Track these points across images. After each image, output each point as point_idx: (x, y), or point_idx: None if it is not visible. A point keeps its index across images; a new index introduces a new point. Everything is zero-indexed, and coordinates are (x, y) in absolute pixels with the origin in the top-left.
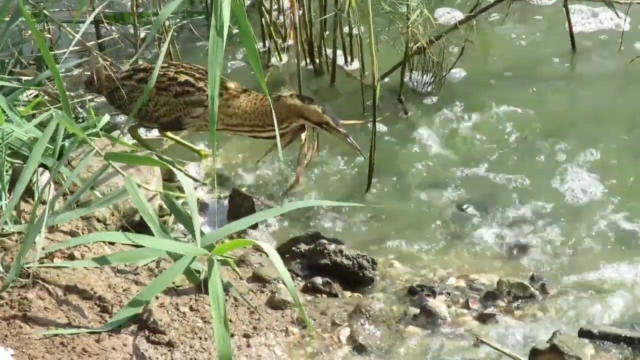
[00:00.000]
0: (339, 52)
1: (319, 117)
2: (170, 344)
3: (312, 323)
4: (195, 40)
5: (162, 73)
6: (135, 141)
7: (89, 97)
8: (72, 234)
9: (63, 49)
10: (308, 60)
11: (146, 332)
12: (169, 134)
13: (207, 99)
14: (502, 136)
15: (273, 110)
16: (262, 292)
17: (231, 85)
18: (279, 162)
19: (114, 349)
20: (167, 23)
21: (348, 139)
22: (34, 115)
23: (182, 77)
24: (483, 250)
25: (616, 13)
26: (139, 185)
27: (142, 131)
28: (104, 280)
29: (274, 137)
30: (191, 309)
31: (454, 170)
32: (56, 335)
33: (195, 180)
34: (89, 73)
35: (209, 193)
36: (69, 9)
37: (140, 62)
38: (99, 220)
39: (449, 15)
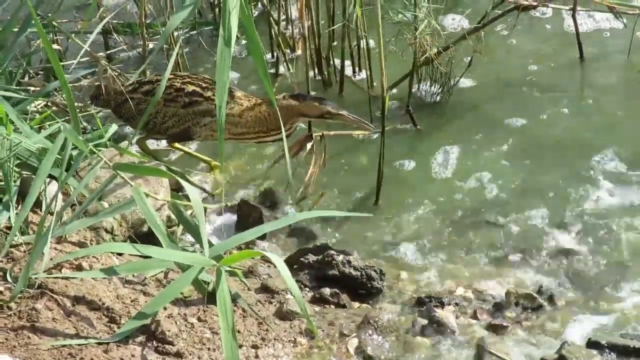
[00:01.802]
0: (347, 63)
1: (318, 109)
2: (178, 355)
3: (320, 334)
4: (204, 51)
5: (168, 84)
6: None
7: (97, 110)
8: (81, 244)
9: (71, 60)
10: (316, 71)
11: (154, 342)
12: (177, 145)
13: (215, 108)
14: (511, 146)
15: (278, 114)
16: (270, 303)
17: (238, 94)
18: (285, 174)
19: (122, 359)
20: (175, 34)
21: (355, 118)
22: (41, 126)
23: (190, 88)
24: (491, 261)
25: (624, 24)
26: (147, 195)
27: (151, 142)
28: (112, 290)
29: (280, 140)
30: (199, 319)
31: (463, 181)
32: (64, 345)
33: (203, 190)
34: (97, 84)
35: (217, 203)
36: (76, 19)
37: (149, 73)
38: (107, 231)
39: (457, 24)
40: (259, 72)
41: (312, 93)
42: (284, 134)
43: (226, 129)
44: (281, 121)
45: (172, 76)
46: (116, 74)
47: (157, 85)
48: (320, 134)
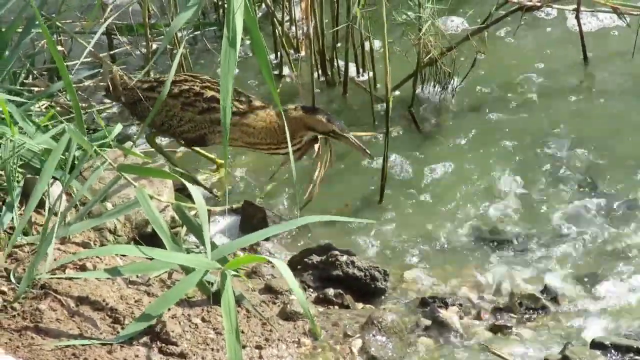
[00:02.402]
0: (351, 64)
1: (324, 126)
2: (182, 356)
3: (324, 334)
4: (208, 51)
5: (187, 87)
6: (147, 151)
7: (99, 109)
8: (84, 245)
9: (75, 60)
10: (320, 72)
11: (158, 343)
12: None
13: (234, 116)
14: (515, 147)
15: (286, 125)
16: (274, 303)
17: (256, 103)
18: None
19: None
20: (179, 34)
21: (356, 143)
22: (46, 127)
23: (209, 93)
24: (496, 261)
25: (627, 24)
26: (151, 197)
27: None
28: (116, 291)
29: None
30: (203, 320)
31: (467, 182)
32: (68, 346)
33: (208, 191)
34: (105, 83)
35: (221, 205)
36: (80, 20)
37: (152, 74)
38: (110, 232)
39: (457, 26)
40: (263, 74)
41: (316, 91)
42: (290, 147)
43: (240, 137)
44: (290, 132)
45: (192, 78)
46: (120, 74)
47: (175, 86)
48: (324, 137)
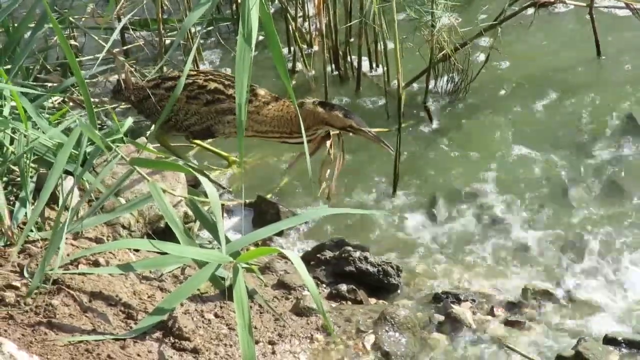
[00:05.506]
0: (364, 59)
1: (342, 121)
2: (195, 351)
3: (337, 330)
4: (222, 47)
5: (191, 81)
6: (160, 147)
7: (113, 106)
8: (97, 240)
9: (88, 56)
10: (333, 67)
11: (171, 338)
12: (196, 140)
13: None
14: (528, 142)
15: (300, 117)
16: (287, 299)
17: (261, 92)
18: (303, 170)
19: (138, 355)
20: (192, 30)
21: (375, 137)
22: (59, 122)
23: (212, 85)
24: (508, 256)
25: None
26: (164, 191)
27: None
28: (129, 286)
29: (302, 143)
30: (216, 315)
31: (479, 176)
32: (81, 341)
33: (221, 186)
34: (118, 79)
35: (234, 200)
36: (93, 15)
37: (165, 69)
38: (124, 227)
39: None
40: (278, 69)
41: (329, 86)
42: (304, 138)
43: (250, 126)
44: (305, 125)
45: (195, 73)
46: (133, 69)
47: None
48: (338, 132)
